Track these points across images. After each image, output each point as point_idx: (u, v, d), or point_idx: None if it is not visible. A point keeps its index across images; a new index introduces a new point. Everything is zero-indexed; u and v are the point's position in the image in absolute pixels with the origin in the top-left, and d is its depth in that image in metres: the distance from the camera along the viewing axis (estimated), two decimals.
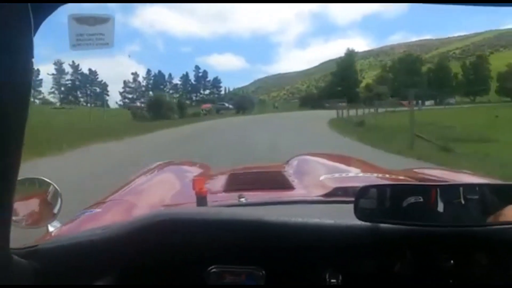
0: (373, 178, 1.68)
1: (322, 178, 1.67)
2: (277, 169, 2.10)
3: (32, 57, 0.65)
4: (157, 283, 0.97)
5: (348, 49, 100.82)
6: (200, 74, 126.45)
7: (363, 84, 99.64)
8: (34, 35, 0.64)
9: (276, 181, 1.78)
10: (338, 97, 68.96)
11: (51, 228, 1.31)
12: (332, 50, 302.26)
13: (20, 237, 0.97)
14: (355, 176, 1.79)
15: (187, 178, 1.92)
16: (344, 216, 0.98)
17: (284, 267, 0.98)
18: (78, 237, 0.97)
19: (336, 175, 1.74)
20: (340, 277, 0.96)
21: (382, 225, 0.95)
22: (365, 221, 0.95)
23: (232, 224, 0.97)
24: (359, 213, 0.94)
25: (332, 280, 0.96)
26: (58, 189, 1.28)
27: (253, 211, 1.09)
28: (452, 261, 0.97)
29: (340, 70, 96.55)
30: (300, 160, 2.30)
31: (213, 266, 0.96)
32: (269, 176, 1.93)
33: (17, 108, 0.68)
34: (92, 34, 0.75)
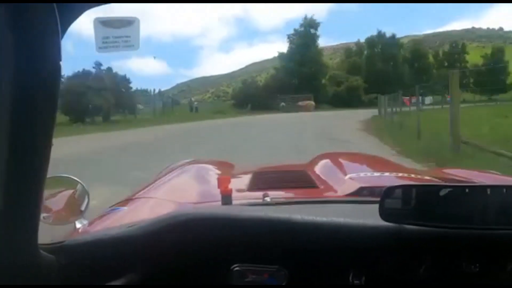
0: (399, 178, 1.66)
1: (347, 177, 1.65)
2: (302, 168, 2.09)
3: (60, 59, 0.67)
4: (180, 281, 0.98)
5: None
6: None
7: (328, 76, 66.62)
8: (62, 38, 0.66)
9: (300, 180, 1.77)
10: (295, 92, 53.72)
11: (78, 225, 1.34)
12: (257, 53, 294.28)
13: (48, 233, 1.00)
14: (380, 176, 1.76)
15: (211, 176, 1.93)
16: (369, 216, 0.97)
17: (307, 267, 0.97)
18: (103, 234, 0.99)
19: (362, 174, 1.72)
20: (364, 278, 0.95)
21: (407, 226, 0.94)
22: (390, 221, 0.94)
23: (256, 223, 0.98)
24: (384, 213, 0.93)
25: (356, 281, 0.95)
26: (86, 187, 1.31)
27: (278, 210, 1.09)
28: (477, 265, 0.94)
29: (299, 56, 63.34)
30: (324, 159, 2.28)
31: (236, 265, 0.96)
32: (293, 175, 1.93)
33: (46, 109, 0.70)
34: (118, 36, 0.76)
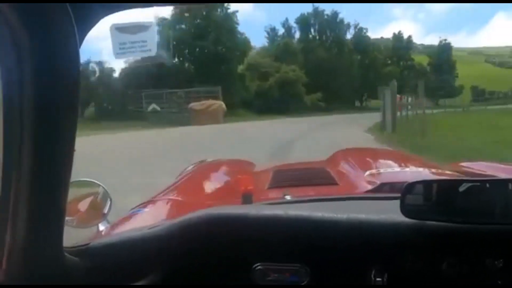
0: (420, 173, 1.64)
1: (367, 173, 1.64)
2: (321, 165, 2.08)
3: (79, 66, 0.68)
4: (203, 280, 0.99)
5: None
6: None
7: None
8: (80, 46, 0.68)
9: (320, 177, 1.76)
10: (186, 85, 27.33)
11: (101, 228, 1.36)
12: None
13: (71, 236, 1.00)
14: (401, 171, 1.75)
15: (232, 176, 1.94)
16: (390, 212, 0.96)
17: (328, 265, 0.97)
18: (126, 235, 1.01)
19: (382, 170, 1.70)
20: (386, 276, 0.94)
21: (428, 222, 0.93)
22: (412, 218, 0.93)
23: (277, 222, 0.98)
24: (405, 210, 0.92)
25: (378, 279, 0.94)
26: (108, 190, 1.34)
27: (298, 208, 1.09)
28: (501, 261, 0.93)
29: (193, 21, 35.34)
30: (344, 155, 2.27)
31: (258, 264, 0.97)
32: (313, 172, 1.92)
33: (68, 115, 0.72)
34: (135, 41, 0.78)
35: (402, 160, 2.16)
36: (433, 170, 1.72)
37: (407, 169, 1.80)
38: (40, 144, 0.69)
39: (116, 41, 0.76)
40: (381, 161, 2.05)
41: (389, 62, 50.66)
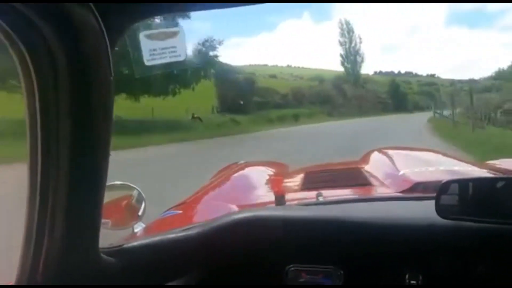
0: (455, 172, 1.59)
1: (400, 173, 1.61)
2: (354, 165, 2.06)
3: (111, 74, 0.71)
4: (235, 281, 1.00)
5: None
6: None
7: None
8: (111, 53, 0.70)
9: (353, 178, 1.74)
10: None
11: (136, 229, 1.39)
12: None
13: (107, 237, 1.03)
14: (435, 170, 1.70)
15: (264, 177, 1.94)
16: (424, 213, 0.94)
17: (362, 267, 0.96)
18: (160, 236, 1.03)
19: (416, 169, 1.66)
20: (420, 278, 0.92)
21: (465, 223, 0.90)
22: (447, 218, 0.91)
23: (310, 223, 0.98)
24: (441, 210, 0.90)
25: (412, 281, 0.93)
26: (142, 193, 1.37)
27: (332, 209, 1.08)
28: None
29: None
30: (377, 155, 2.23)
31: (291, 265, 0.96)
32: (346, 173, 1.90)
33: (102, 121, 0.74)
34: (165, 48, 0.79)
35: (437, 158, 2.10)
36: (469, 168, 1.67)
37: (442, 167, 1.76)
38: (77, 149, 0.72)
39: (146, 48, 0.78)
40: (414, 159, 2.01)
41: None
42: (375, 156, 2.20)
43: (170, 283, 0.96)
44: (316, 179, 1.77)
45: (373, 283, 0.97)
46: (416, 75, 73.39)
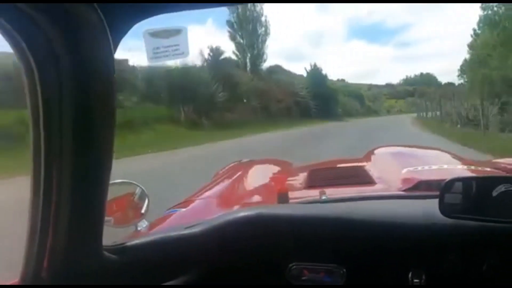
0: (458, 171, 1.58)
1: (404, 171, 1.60)
2: (357, 163, 2.05)
3: (114, 72, 0.71)
4: (238, 279, 1.00)
5: None
6: None
7: None
8: (114, 53, 0.70)
9: (357, 176, 1.74)
10: None
11: (139, 227, 1.39)
12: None
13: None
14: (439, 169, 1.69)
15: (268, 175, 1.94)
16: (428, 211, 0.94)
17: (365, 266, 0.96)
18: (163, 234, 1.03)
19: (419, 168, 1.66)
20: (424, 277, 0.92)
21: (468, 221, 0.90)
22: (451, 217, 0.90)
23: (313, 221, 0.98)
24: (444, 208, 0.90)
25: (415, 280, 0.92)
26: (145, 190, 1.36)
27: (335, 207, 1.08)
28: None
29: None
30: (380, 153, 2.22)
31: (293, 263, 0.96)
32: (349, 171, 1.89)
33: (105, 119, 0.74)
34: (168, 46, 0.79)
35: (440, 157, 2.09)
36: (473, 166, 1.66)
37: (445, 166, 1.75)
38: (80, 147, 0.72)
39: (149, 46, 0.78)
40: (418, 158, 1.99)
41: None
42: (379, 154, 2.19)
43: (173, 281, 0.96)
44: (319, 177, 1.76)
45: (375, 281, 0.96)
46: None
